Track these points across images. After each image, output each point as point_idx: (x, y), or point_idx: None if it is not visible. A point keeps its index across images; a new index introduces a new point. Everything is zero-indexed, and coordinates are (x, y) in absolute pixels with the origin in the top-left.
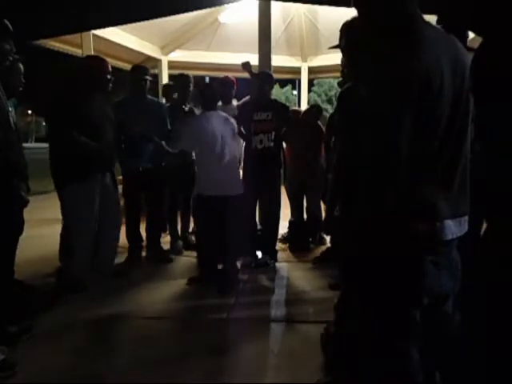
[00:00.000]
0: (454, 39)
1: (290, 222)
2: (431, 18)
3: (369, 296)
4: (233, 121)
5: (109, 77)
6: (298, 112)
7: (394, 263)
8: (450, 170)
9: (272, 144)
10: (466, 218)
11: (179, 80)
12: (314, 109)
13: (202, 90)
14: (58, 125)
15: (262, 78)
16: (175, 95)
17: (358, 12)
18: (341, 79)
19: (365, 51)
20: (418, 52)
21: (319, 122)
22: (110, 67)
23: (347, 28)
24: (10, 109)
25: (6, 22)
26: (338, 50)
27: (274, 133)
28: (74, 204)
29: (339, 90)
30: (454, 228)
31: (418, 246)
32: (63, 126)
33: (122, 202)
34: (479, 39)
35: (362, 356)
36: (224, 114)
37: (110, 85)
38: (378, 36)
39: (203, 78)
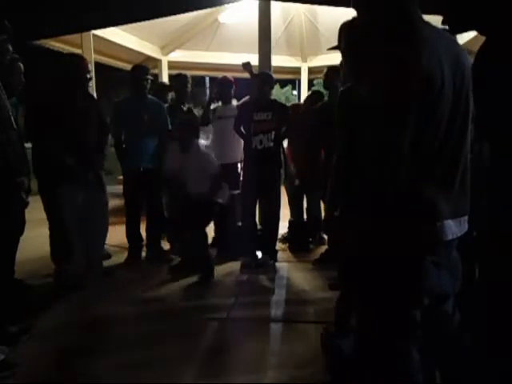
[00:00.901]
0: (453, 39)
1: (290, 222)
2: (431, 18)
3: (369, 296)
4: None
5: (88, 76)
6: (298, 106)
7: (395, 263)
8: (450, 170)
9: (272, 144)
10: (466, 217)
11: (177, 80)
12: (315, 95)
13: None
14: (34, 130)
15: (261, 78)
16: (169, 95)
17: (358, 12)
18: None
19: (365, 51)
20: (418, 52)
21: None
22: (88, 66)
23: (348, 28)
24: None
25: (6, 22)
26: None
27: (273, 133)
28: (64, 205)
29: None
30: (455, 228)
31: (419, 246)
32: (40, 135)
33: (122, 202)
34: (478, 41)
35: (362, 356)
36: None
37: (89, 84)
38: (378, 36)
39: (203, 77)
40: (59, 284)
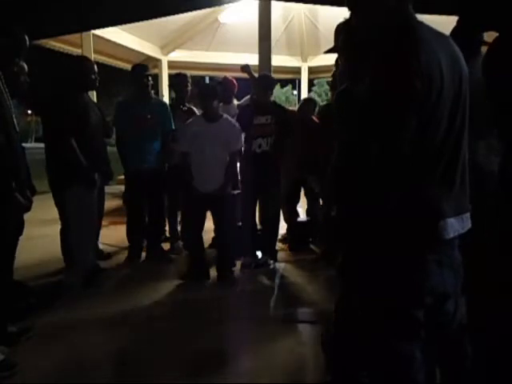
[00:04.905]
0: (448, 38)
1: (291, 222)
2: (427, 18)
3: (371, 297)
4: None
5: (93, 77)
6: (293, 112)
7: (397, 263)
8: (450, 169)
9: (269, 148)
10: (468, 214)
11: (177, 79)
12: (310, 103)
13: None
14: (57, 127)
15: (262, 81)
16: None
17: (353, 14)
18: (331, 80)
19: (362, 52)
20: (418, 52)
21: (314, 118)
22: (95, 67)
23: (344, 28)
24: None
25: (26, 36)
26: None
27: (272, 137)
28: (81, 206)
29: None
30: (457, 225)
31: (421, 244)
32: (61, 130)
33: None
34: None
35: (363, 356)
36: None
37: (96, 84)
38: (375, 37)
39: (203, 78)
40: (70, 282)
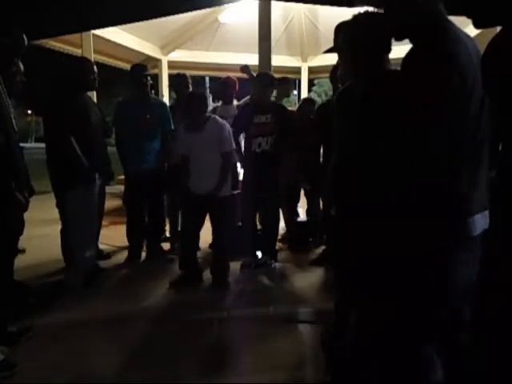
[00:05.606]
0: (474, 39)
1: (291, 222)
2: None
3: (391, 299)
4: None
5: (93, 77)
6: (293, 112)
7: (422, 262)
8: (477, 167)
9: (270, 148)
10: (487, 211)
11: (177, 80)
12: (308, 102)
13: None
14: (58, 127)
15: (262, 80)
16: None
17: (388, 11)
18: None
19: (365, 52)
20: (457, 53)
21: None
22: (95, 68)
23: (347, 27)
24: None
25: (24, 36)
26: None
27: (272, 136)
28: (81, 206)
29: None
30: (482, 222)
31: (449, 242)
32: (62, 130)
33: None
34: (482, 38)
35: (365, 357)
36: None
37: (96, 84)
38: (409, 35)
39: (203, 78)
40: (70, 282)
